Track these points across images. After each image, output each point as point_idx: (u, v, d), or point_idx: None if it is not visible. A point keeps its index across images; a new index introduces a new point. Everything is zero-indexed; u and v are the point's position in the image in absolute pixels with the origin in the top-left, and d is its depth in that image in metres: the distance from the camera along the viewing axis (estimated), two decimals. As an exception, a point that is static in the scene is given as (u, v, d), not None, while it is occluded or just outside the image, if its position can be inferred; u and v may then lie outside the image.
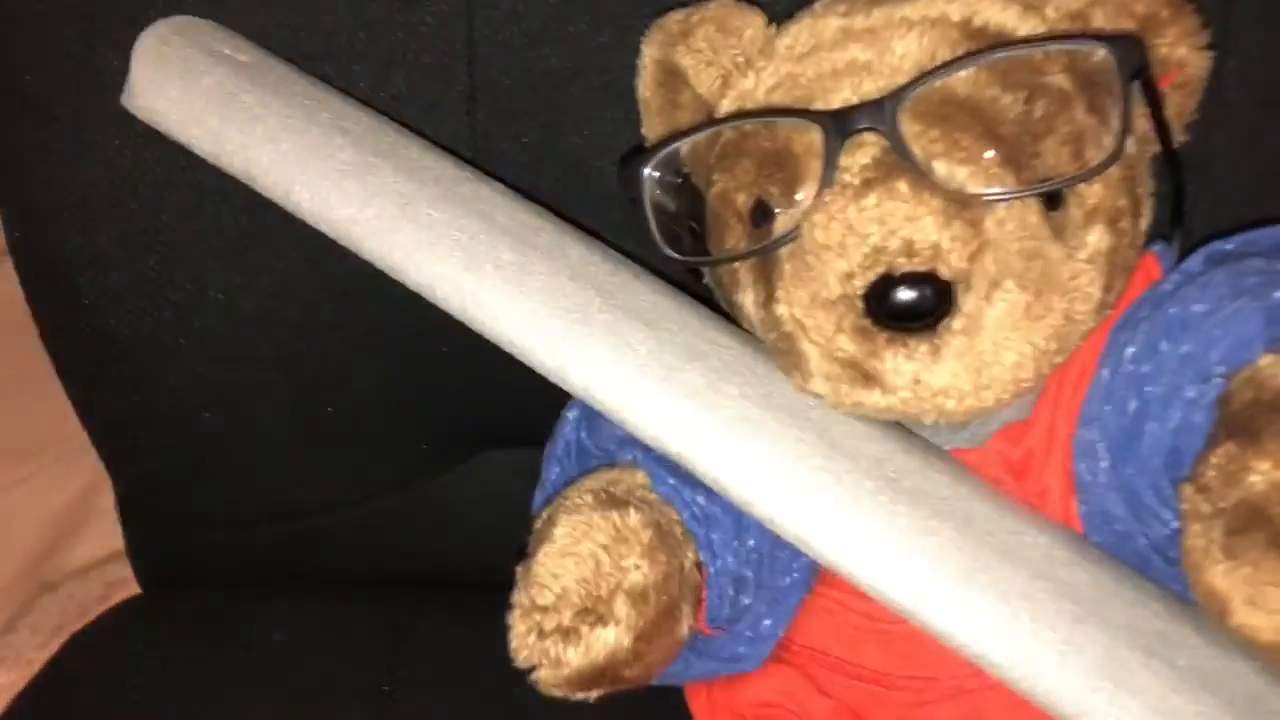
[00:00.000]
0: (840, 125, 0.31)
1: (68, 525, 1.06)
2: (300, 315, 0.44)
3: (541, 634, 0.31)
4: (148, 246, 0.41)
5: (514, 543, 0.35)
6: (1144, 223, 0.35)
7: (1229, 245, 0.35)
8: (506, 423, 0.47)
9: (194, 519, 0.50)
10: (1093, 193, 0.32)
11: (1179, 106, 0.36)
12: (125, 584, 0.59)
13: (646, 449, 0.35)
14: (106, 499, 1.14)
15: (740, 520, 0.35)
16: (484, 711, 0.45)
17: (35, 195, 0.43)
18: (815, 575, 0.36)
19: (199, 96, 0.35)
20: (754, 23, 0.36)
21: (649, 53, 0.38)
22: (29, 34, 0.39)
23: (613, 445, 0.37)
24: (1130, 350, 0.33)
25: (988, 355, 0.31)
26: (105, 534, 1.08)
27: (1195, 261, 0.35)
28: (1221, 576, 0.28)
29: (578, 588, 0.32)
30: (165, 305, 0.43)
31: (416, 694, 0.46)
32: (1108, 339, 0.34)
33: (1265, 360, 0.31)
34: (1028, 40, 0.32)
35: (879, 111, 0.31)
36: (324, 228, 0.34)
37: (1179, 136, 0.36)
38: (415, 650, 0.47)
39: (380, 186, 0.34)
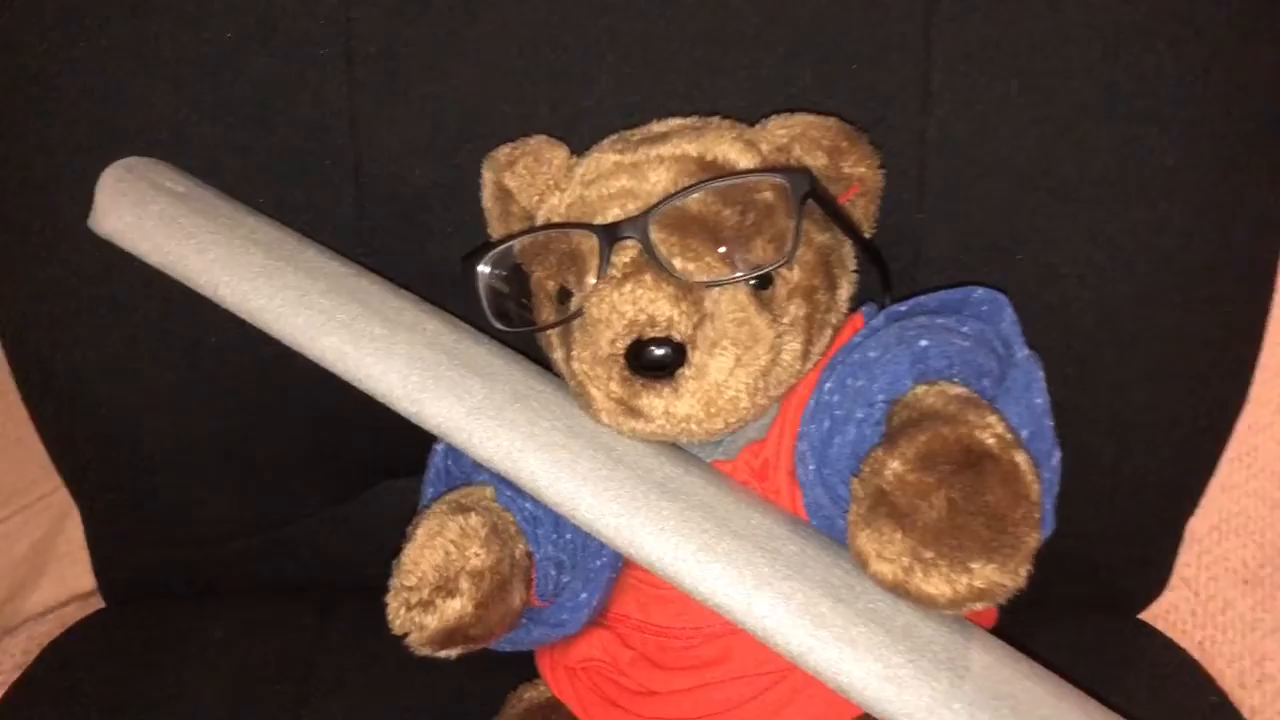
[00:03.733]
0: (610, 234, 0.43)
1: (27, 572, 1.14)
2: (229, 380, 0.55)
3: (408, 607, 0.43)
4: (109, 331, 0.52)
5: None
6: (843, 293, 0.47)
7: (903, 307, 0.47)
8: (400, 457, 0.57)
9: (147, 542, 0.61)
10: (792, 276, 0.45)
11: (865, 209, 0.48)
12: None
13: (493, 471, 0.46)
14: (63, 546, 1.24)
15: (559, 519, 0.46)
16: (388, 684, 0.56)
17: (14, 289, 0.54)
18: (622, 559, 0.48)
19: (147, 220, 0.46)
20: (559, 155, 0.48)
21: (487, 175, 0.50)
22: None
23: (470, 469, 0.49)
24: (828, 385, 0.45)
25: (713, 393, 0.43)
26: (63, 579, 1.16)
27: (879, 319, 0.47)
28: (863, 540, 0.39)
29: (433, 572, 0.43)
30: (123, 374, 0.54)
31: (335, 673, 0.57)
32: (820, 377, 0.47)
33: (920, 389, 0.43)
34: (735, 173, 0.44)
35: (635, 225, 0.43)
36: (243, 315, 0.45)
37: (869, 230, 0.49)
38: (335, 639, 0.59)
39: (284, 283, 0.45)
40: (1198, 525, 0.66)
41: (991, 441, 0.39)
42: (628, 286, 0.42)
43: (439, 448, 0.51)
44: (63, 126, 0.51)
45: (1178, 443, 0.57)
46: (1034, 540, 0.39)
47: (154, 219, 0.46)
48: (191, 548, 0.61)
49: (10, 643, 1.10)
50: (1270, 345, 0.57)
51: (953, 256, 0.53)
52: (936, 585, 0.38)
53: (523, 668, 0.53)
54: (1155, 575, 0.63)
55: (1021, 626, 0.48)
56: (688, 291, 0.42)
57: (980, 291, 0.47)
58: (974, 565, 0.38)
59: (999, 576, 0.38)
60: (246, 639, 0.58)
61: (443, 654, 0.44)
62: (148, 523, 0.60)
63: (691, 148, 0.45)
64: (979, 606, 0.39)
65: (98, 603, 1.11)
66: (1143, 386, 0.55)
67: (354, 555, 0.62)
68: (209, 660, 0.57)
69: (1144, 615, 0.66)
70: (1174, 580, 0.65)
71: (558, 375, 0.48)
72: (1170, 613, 1.11)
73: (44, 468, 1.23)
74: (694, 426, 0.44)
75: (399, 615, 0.43)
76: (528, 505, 0.47)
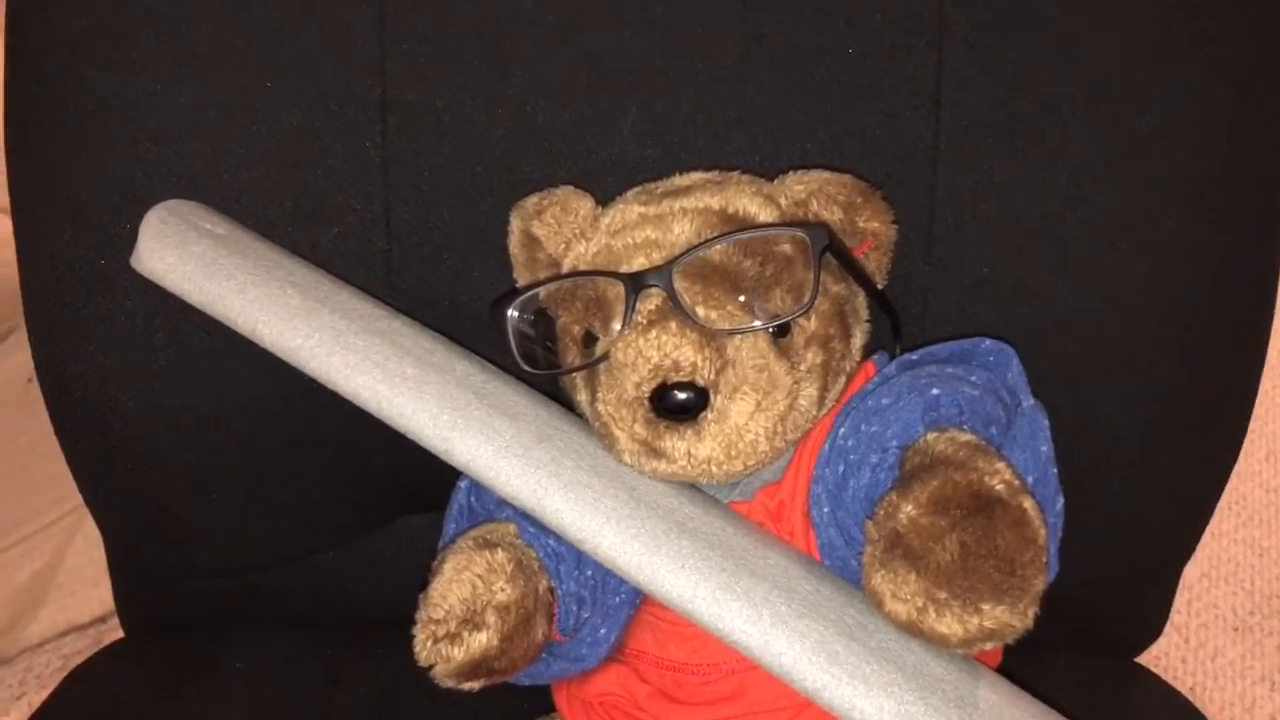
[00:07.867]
0: (636, 283, 0.45)
1: (26, 603, 1.14)
2: (257, 417, 0.56)
3: (435, 640, 0.44)
4: (143, 366, 0.54)
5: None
6: (856, 342, 0.49)
7: (915, 356, 0.49)
8: (417, 493, 0.59)
9: (169, 573, 0.62)
10: (809, 324, 0.46)
11: (878, 262, 0.50)
12: (81, 657, 0.66)
13: (516, 508, 0.47)
14: (63, 577, 1.24)
15: (580, 556, 0.48)
16: (406, 717, 0.57)
17: (54, 324, 0.55)
18: (640, 596, 0.49)
19: (189, 260, 0.48)
20: (585, 205, 0.51)
21: (515, 223, 0.52)
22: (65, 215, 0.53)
23: (493, 506, 0.50)
24: (842, 430, 0.47)
25: (733, 436, 0.45)
26: (63, 609, 1.16)
27: (891, 368, 0.49)
28: (879, 580, 0.41)
29: (460, 605, 0.44)
30: (155, 408, 0.55)
31: (353, 706, 0.58)
32: (833, 423, 0.48)
33: (930, 436, 0.44)
34: (756, 226, 0.47)
35: (660, 274, 0.45)
36: (279, 353, 0.46)
37: (881, 281, 0.51)
38: (352, 672, 0.59)
39: (319, 324, 0.47)
40: (1188, 572, 0.68)
41: (1000, 487, 0.41)
42: (653, 333, 0.44)
43: (462, 485, 0.52)
44: (109, 170, 0.53)
45: (1175, 490, 0.59)
46: (1041, 583, 0.41)
47: (195, 260, 0.48)
48: (212, 579, 0.62)
49: (7, 673, 1.11)
50: (1259, 395, 0.59)
51: (960, 308, 0.55)
52: (949, 625, 0.40)
53: (540, 701, 0.55)
54: (1153, 620, 0.65)
55: (1023, 667, 0.49)
56: (710, 338, 0.44)
57: (988, 343, 0.49)
58: (985, 606, 0.39)
59: (1009, 617, 0.39)
60: (266, 671, 0.59)
61: (466, 686, 0.45)
62: (171, 554, 0.61)
63: (713, 201, 0.47)
64: (989, 646, 0.41)
65: (96, 635, 1.12)
66: (1142, 436, 0.57)
67: (371, 589, 0.63)
68: (229, 693, 0.58)
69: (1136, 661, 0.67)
70: (1165, 627, 0.66)
71: (581, 417, 0.50)
72: (1161, 659, 1.13)
73: (47, 498, 1.24)
74: (714, 468, 0.45)
75: (425, 647, 0.44)
76: (550, 542, 0.48)
